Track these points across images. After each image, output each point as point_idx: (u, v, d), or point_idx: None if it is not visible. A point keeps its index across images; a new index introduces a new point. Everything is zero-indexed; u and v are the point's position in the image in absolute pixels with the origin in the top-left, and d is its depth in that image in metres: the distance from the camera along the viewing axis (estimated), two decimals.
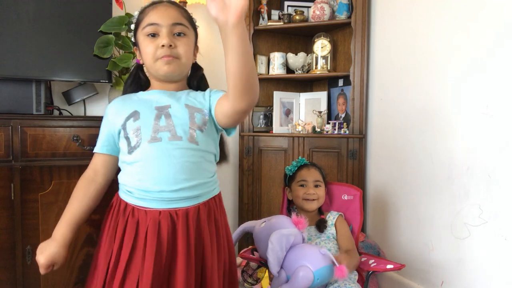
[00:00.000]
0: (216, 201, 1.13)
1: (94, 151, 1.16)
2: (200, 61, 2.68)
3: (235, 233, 1.61)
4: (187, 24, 1.11)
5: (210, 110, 1.10)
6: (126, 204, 1.07)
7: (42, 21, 1.65)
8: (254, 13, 2.36)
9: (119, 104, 1.13)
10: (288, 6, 2.49)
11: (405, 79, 1.99)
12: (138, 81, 1.21)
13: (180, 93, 1.13)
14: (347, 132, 2.20)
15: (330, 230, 1.58)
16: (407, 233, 1.98)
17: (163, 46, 1.06)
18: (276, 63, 2.41)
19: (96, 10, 1.74)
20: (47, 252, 1.04)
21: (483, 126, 1.61)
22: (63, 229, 1.07)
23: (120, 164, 1.13)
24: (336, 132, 2.23)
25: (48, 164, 1.59)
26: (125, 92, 1.21)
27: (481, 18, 1.61)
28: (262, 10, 2.38)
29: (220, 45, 2.77)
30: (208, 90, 1.15)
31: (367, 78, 2.20)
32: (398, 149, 2.02)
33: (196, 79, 1.22)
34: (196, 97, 1.12)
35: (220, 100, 1.06)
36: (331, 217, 1.61)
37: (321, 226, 1.57)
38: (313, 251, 1.36)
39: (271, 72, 2.44)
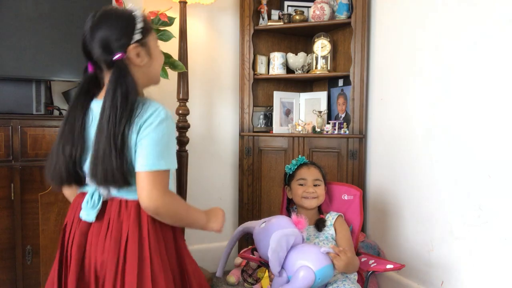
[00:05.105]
0: None
1: (173, 168, 1.02)
2: (200, 60, 2.66)
3: (235, 233, 1.61)
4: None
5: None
6: None
7: (42, 21, 1.65)
8: (254, 13, 2.36)
9: None
10: (288, 6, 2.49)
11: (405, 79, 1.99)
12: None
13: None
14: (347, 132, 2.20)
15: (329, 230, 1.58)
16: (407, 233, 1.98)
17: None
18: (276, 63, 2.41)
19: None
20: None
21: (483, 126, 1.61)
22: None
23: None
24: (336, 132, 2.23)
25: None
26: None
27: (481, 18, 1.61)
28: (262, 10, 2.38)
29: (219, 45, 2.74)
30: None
31: (367, 78, 2.20)
32: (398, 149, 2.02)
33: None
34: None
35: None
36: (330, 218, 1.61)
37: (319, 225, 1.58)
38: (314, 250, 1.36)
39: (271, 72, 2.44)
